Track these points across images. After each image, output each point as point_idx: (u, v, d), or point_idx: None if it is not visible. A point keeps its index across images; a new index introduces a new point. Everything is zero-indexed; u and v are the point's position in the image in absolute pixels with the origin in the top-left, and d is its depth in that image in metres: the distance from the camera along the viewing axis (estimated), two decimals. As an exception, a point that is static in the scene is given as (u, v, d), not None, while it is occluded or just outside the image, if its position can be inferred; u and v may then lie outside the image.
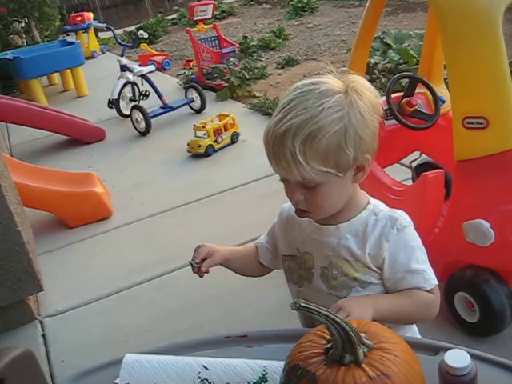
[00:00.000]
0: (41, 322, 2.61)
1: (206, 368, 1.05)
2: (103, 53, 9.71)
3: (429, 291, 1.15)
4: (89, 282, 2.88)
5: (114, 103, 5.38)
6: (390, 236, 1.15)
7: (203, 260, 1.30)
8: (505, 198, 1.80)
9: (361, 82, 1.12)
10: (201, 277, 1.31)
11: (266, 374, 1.02)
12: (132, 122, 4.99)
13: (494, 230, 1.79)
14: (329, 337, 0.83)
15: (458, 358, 0.85)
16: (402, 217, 1.17)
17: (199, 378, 1.04)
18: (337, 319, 0.79)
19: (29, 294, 2.61)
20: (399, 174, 2.69)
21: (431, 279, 1.16)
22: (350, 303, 1.09)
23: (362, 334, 0.83)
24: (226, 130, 4.33)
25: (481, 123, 1.74)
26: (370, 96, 1.11)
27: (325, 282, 1.21)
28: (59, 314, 2.65)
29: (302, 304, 0.79)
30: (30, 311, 2.59)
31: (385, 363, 0.79)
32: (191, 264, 1.31)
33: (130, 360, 1.09)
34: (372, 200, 1.22)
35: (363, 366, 0.79)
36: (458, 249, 1.94)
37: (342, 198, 1.16)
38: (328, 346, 0.83)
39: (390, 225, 1.15)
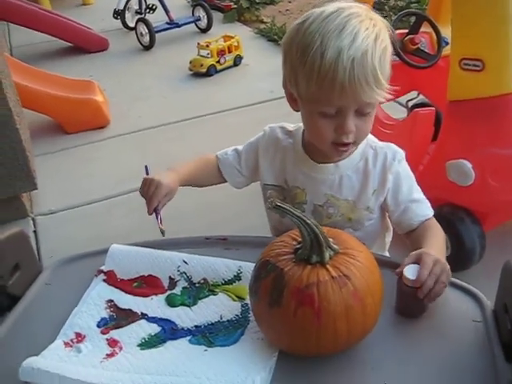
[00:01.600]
0: (33, 219, 2.71)
1: (185, 262, 1.13)
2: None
3: (432, 218, 1.21)
4: (81, 187, 2.96)
5: (119, 14, 5.29)
6: (393, 168, 1.19)
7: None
8: (489, 142, 1.86)
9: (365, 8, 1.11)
10: (162, 232, 1.26)
11: (241, 272, 1.10)
12: (136, 34, 4.93)
13: (475, 171, 1.86)
14: (300, 239, 0.91)
15: (415, 271, 0.94)
16: (398, 149, 1.22)
17: (178, 270, 1.12)
18: (308, 221, 0.86)
19: (23, 191, 2.68)
20: (396, 112, 2.72)
21: (430, 208, 1.22)
22: (437, 255, 1.00)
23: (331, 239, 0.90)
24: (229, 51, 4.31)
25: (477, 65, 1.78)
26: (385, 25, 1.10)
27: (317, 218, 1.21)
28: (51, 213, 2.75)
29: (278, 203, 0.85)
30: (23, 208, 2.68)
31: (347, 266, 0.87)
32: (161, 231, 1.25)
33: (115, 249, 1.17)
34: None
35: (327, 266, 0.87)
36: (439, 187, 2.01)
37: None
38: (298, 246, 0.91)
39: (392, 157, 1.19)
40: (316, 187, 1.23)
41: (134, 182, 2.89)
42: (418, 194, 1.22)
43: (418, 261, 0.97)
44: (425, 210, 1.21)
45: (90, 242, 2.41)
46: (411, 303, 0.97)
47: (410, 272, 0.95)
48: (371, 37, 1.03)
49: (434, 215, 2.05)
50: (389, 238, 1.36)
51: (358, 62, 1.02)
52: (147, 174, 1.31)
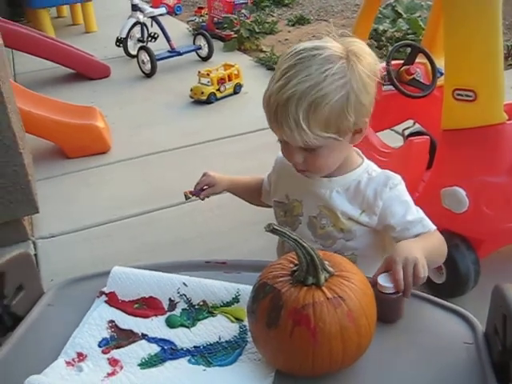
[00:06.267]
0: (34, 243, 2.73)
1: (185, 285, 1.15)
2: (115, -10, 9.57)
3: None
4: (81, 211, 2.99)
5: (121, 42, 5.38)
6: (383, 194, 1.22)
7: (203, 188, 1.42)
8: (482, 170, 1.90)
9: (360, 46, 1.14)
10: (202, 199, 1.45)
11: (239, 295, 1.12)
12: (138, 62, 5.01)
13: (468, 198, 1.90)
14: (297, 262, 0.94)
15: (389, 279, 1.01)
16: (394, 176, 1.25)
17: (178, 293, 1.14)
18: (304, 244, 0.90)
19: (24, 215, 2.71)
20: (393, 140, 2.77)
21: (430, 225, 1.24)
22: (407, 250, 1.07)
23: (326, 262, 0.94)
24: (229, 79, 4.38)
25: (469, 96, 1.83)
26: (369, 60, 1.14)
27: (311, 230, 1.28)
28: (52, 236, 2.77)
29: (275, 227, 0.89)
30: (24, 231, 2.70)
31: (342, 288, 0.90)
32: (185, 195, 1.42)
33: (117, 271, 1.18)
34: (366, 160, 1.29)
35: (323, 288, 0.90)
36: (435, 213, 2.01)
37: (339, 159, 1.22)
38: (295, 268, 0.94)
39: (383, 183, 1.22)
40: (310, 199, 1.28)
41: (134, 207, 2.99)
42: (413, 216, 1.23)
43: (387, 269, 1.03)
44: (420, 228, 1.23)
45: (90, 266, 2.44)
46: (388, 309, 1.02)
47: (383, 280, 1.01)
48: (306, 84, 1.07)
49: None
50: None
51: (281, 108, 1.09)
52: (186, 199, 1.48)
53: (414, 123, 2.75)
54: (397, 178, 1.25)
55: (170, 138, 3.78)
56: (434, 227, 1.25)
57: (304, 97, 1.07)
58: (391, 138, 2.79)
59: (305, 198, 1.30)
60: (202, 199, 1.44)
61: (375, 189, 1.23)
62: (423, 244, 1.16)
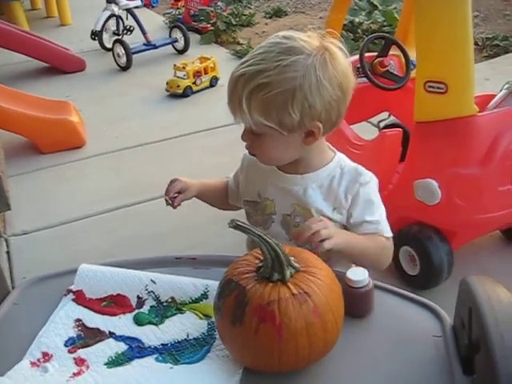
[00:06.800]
0: (6, 240, 2.69)
1: (153, 282, 1.14)
2: (91, -18, 9.45)
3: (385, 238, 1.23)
4: (56, 207, 2.95)
5: (96, 35, 5.30)
6: (353, 190, 1.22)
7: (177, 193, 1.35)
8: (454, 162, 1.91)
9: (336, 52, 1.12)
10: (174, 208, 1.36)
11: (208, 291, 1.12)
12: (113, 55, 4.94)
13: (441, 190, 1.91)
14: (262, 258, 0.93)
15: (357, 273, 1.01)
16: (366, 172, 1.24)
17: (146, 290, 1.14)
18: (269, 240, 0.89)
19: (-4, 212, 2.68)
20: (368, 133, 2.78)
21: (385, 230, 1.24)
22: (327, 223, 1.13)
23: (292, 258, 0.93)
24: (205, 72, 4.35)
25: (441, 88, 1.83)
26: (337, 69, 1.11)
27: (285, 228, 1.27)
28: (25, 234, 2.73)
29: (239, 223, 0.88)
30: (-4, 228, 2.67)
31: (308, 284, 0.90)
32: (166, 199, 1.36)
33: (84, 269, 1.18)
34: (338, 153, 1.28)
35: (288, 284, 0.89)
36: (408, 206, 2.06)
37: (288, 154, 1.21)
38: (260, 264, 0.93)
39: (354, 179, 1.22)
40: (284, 197, 1.27)
41: (108, 203, 2.96)
42: (372, 217, 1.23)
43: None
44: (371, 229, 1.23)
45: (64, 263, 2.36)
46: (357, 304, 1.02)
47: (352, 274, 1.02)
48: (257, 67, 1.09)
49: (403, 234, 2.10)
50: None
51: (232, 84, 1.13)
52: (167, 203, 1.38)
53: (390, 115, 2.76)
54: (368, 175, 1.25)
55: (145, 132, 3.75)
56: (389, 234, 1.25)
57: (251, 79, 1.09)
58: (367, 131, 2.80)
59: (277, 196, 1.28)
60: (175, 207, 1.36)
61: (346, 186, 1.23)
62: (355, 239, 1.19)
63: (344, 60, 1.13)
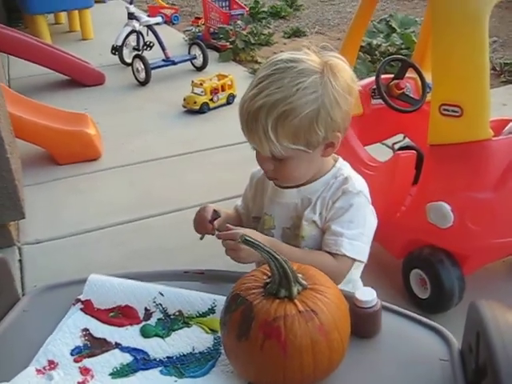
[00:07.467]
0: (19, 249, 2.71)
1: (161, 294, 1.14)
2: (113, -2, 9.60)
3: (334, 256, 1.18)
4: (69, 217, 2.98)
5: (117, 50, 5.39)
6: (335, 196, 1.21)
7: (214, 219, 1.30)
8: (468, 186, 1.90)
9: (338, 62, 1.15)
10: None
11: (215, 306, 1.11)
12: (133, 70, 5.01)
13: (454, 213, 1.90)
14: (270, 274, 0.93)
15: (366, 293, 1.00)
16: (354, 183, 1.21)
17: (154, 302, 1.14)
18: (277, 257, 0.89)
19: (10, 220, 2.70)
20: (383, 154, 2.77)
21: (343, 247, 1.17)
22: (249, 231, 1.14)
23: (300, 275, 0.93)
24: (223, 90, 4.39)
25: (456, 111, 1.83)
26: (346, 77, 1.14)
27: (285, 241, 1.25)
28: (38, 242, 2.76)
29: (247, 238, 0.88)
30: (10, 236, 2.69)
31: (315, 302, 0.89)
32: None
33: (93, 279, 1.18)
34: (338, 164, 1.26)
35: (295, 301, 0.89)
36: (420, 228, 2.04)
37: (310, 170, 1.21)
38: (268, 280, 0.93)
39: (340, 186, 1.21)
40: (282, 211, 1.27)
41: (123, 215, 2.98)
42: (339, 228, 1.19)
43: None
44: (330, 242, 1.19)
45: (75, 273, 2.39)
46: (364, 324, 1.02)
47: (360, 294, 1.01)
48: (277, 96, 1.08)
49: (415, 256, 2.09)
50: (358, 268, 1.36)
51: (252, 117, 1.11)
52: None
53: (404, 137, 2.76)
54: (355, 185, 1.21)
55: (161, 147, 3.78)
56: (344, 252, 1.17)
57: (274, 108, 1.09)
58: (382, 152, 2.79)
59: (275, 211, 1.29)
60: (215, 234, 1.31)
61: (332, 192, 1.22)
62: (286, 248, 1.17)
63: (345, 65, 1.16)
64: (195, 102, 4.25)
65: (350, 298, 1.02)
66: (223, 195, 2.80)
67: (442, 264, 2.01)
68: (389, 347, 1.03)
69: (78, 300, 1.15)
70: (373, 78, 2.38)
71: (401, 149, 2.71)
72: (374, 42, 4.84)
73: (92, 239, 2.78)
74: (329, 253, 1.19)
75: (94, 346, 1.06)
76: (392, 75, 2.48)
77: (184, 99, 4.34)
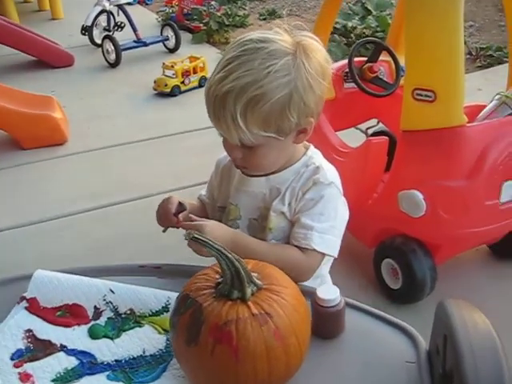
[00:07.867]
0: (-26, 238, 2.61)
1: (112, 291, 1.08)
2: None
3: (303, 251, 1.12)
4: (33, 205, 2.88)
5: (87, 30, 5.24)
6: (306, 186, 1.14)
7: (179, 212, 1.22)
8: (441, 173, 1.85)
9: (311, 42, 1.08)
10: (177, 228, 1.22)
11: (169, 304, 1.05)
12: (103, 51, 4.88)
13: (426, 202, 1.85)
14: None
15: (328, 292, 0.95)
16: (326, 173, 1.15)
17: (104, 300, 1.07)
18: (229, 255, 0.82)
19: (-31, 208, 2.60)
20: (356, 139, 2.71)
21: (313, 241, 1.11)
22: (211, 224, 1.10)
23: (255, 274, 0.86)
24: (195, 72, 4.29)
25: (429, 96, 1.77)
26: (319, 59, 1.07)
27: (251, 232, 1.19)
28: (-2, 231, 2.66)
29: (195, 235, 0.81)
30: (-32, 225, 2.59)
31: (270, 303, 0.83)
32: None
33: (39, 275, 1.11)
34: (310, 151, 1.20)
35: (249, 303, 0.82)
36: (392, 217, 2.00)
37: (281, 158, 1.15)
38: (220, 280, 0.86)
39: (311, 176, 1.14)
40: (249, 201, 1.20)
41: (88, 202, 2.89)
42: (309, 220, 1.12)
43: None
44: (300, 236, 1.12)
45: (36, 263, 2.30)
46: (327, 324, 0.97)
47: (321, 292, 0.95)
48: (246, 79, 1.00)
49: (386, 246, 2.04)
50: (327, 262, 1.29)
51: (219, 102, 1.03)
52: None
53: (378, 122, 2.70)
54: (326, 176, 1.15)
55: (130, 131, 3.68)
56: (314, 247, 1.10)
57: (243, 93, 1.00)
58: (355, 138, 2.73)
59: (241, 201, 1.22)
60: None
61: (303, 182, 1.15)
62: (244, 247, 1.09)
63: (318, 45, 1.09)
64: (166, 85, 4.15)
65: (312, 295, 0.96)
66: (194, 181, 2.74)
67: (415, 254, 1.97)
68: (353, 347, 0.98)
69: (23, 298, 1.08)
70: (345, 61, 2.32)
71: (374, 134, 2.65)
72: (350, 24, 4.77)
73: (52, 228, 2.69)
74: (297, 247, 1.13)
75: (37, 348, 0.99)
76: (365, 58, 2.41)
77: (155, 82, 4.23)
